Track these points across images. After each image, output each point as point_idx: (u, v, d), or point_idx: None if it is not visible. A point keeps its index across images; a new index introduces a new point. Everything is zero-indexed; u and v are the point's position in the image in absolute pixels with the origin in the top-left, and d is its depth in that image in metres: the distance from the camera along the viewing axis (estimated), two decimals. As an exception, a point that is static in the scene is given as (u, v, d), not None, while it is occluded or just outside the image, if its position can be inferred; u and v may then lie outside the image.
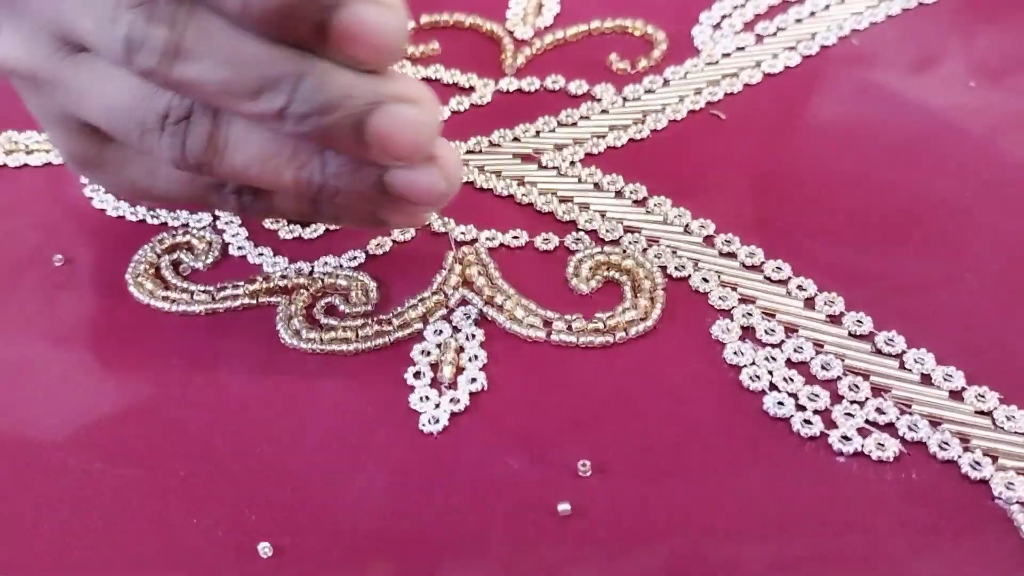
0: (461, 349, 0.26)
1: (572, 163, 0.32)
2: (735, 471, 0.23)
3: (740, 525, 0.22)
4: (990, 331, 0.26)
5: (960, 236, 0.29)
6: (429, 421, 0.25)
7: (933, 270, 0.28)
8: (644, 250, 0.29)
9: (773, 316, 0.27)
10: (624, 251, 0.28)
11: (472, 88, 0.35)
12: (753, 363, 0.26)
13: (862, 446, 0.24)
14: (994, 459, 0.23)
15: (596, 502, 0.23)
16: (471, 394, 0.25)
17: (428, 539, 0.22)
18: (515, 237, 0.29)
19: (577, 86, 0.35)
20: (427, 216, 0.27)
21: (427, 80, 0.36)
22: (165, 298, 0.28)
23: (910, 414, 0.24)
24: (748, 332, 0.26)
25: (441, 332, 0.26)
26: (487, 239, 0.29)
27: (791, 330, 0.26)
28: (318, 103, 0.22)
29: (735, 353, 0.26)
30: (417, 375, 0.26)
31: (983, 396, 0.25)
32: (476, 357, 0.26)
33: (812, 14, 0.36)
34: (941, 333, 0.26)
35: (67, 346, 0.27)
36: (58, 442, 0.25)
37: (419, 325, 0.27)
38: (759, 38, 0.36)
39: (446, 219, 0.30)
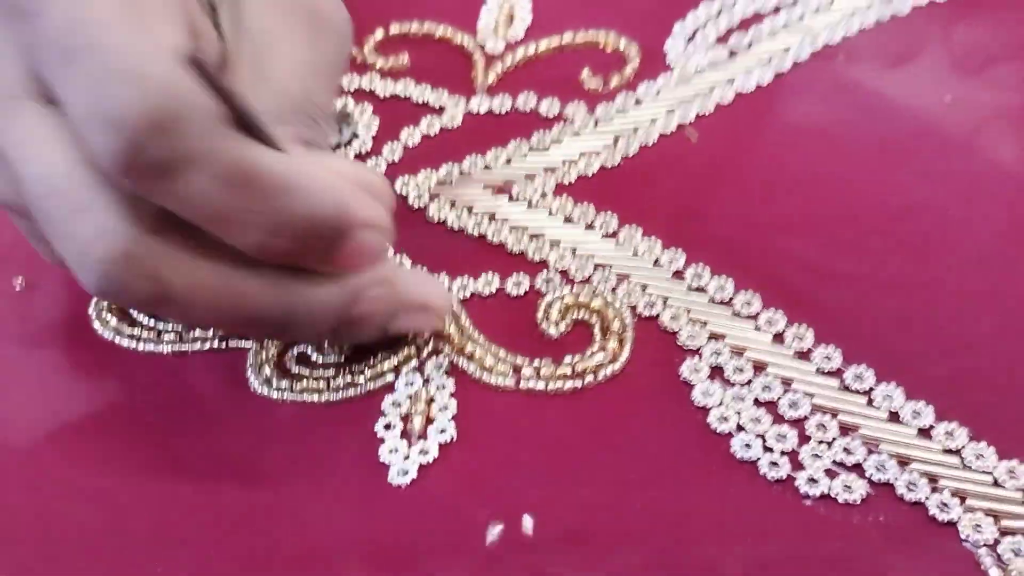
0: (431, 400, 0.26)
1: (544, 194, 0.31)
2: (703, 515, 0.24)
3: (710, 567, 0.23)
4: (962, 361, 0.26)
5: (936, 264, 0.29)
6: (398, 473, 0.25)
7: (908, 296, 0.28)
8: (613, 289, 0.28)
9: (742, 353, 0.27)
10: (594, 290, 0.28)
11: (442, 108, 0.35)
12: (721, 403, 0.26)
13: (829, 488, 0.24)
14: (962, 500, 0.23)
15: (562, 551, 0.23)
16: (440, 445, 0.25)
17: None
18: (487, 283, 0.29)
19: (549, 106, 0.34)
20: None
21: (396, 98, 0.35)
22: (131, 336, 0.28)
23: (878, 453, 0.24)
24: (717, 372, 0.26)
25: (412, 383, 0.27)
26: (459, 288, 0.29)
27: (759, 368, 0.26)
28: (310, 323, 0.24)
29: (703, 394, 0.26)
30: (387, 427, 0.26)
31: (952, 433, 0.25)
32: (446, 407, 0.26)
33: (785, 26, 0.35)
34: (911, 365, 0.26)
35: (29, 366, 0.28)
36: (16, 468, 0.25)
37: (391, 376, 0.27)
38: (732, 54, 0.35)
39: (421, 266, 0.30)
